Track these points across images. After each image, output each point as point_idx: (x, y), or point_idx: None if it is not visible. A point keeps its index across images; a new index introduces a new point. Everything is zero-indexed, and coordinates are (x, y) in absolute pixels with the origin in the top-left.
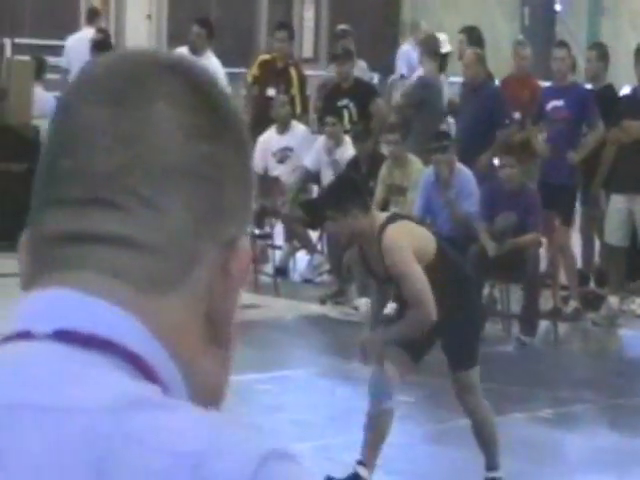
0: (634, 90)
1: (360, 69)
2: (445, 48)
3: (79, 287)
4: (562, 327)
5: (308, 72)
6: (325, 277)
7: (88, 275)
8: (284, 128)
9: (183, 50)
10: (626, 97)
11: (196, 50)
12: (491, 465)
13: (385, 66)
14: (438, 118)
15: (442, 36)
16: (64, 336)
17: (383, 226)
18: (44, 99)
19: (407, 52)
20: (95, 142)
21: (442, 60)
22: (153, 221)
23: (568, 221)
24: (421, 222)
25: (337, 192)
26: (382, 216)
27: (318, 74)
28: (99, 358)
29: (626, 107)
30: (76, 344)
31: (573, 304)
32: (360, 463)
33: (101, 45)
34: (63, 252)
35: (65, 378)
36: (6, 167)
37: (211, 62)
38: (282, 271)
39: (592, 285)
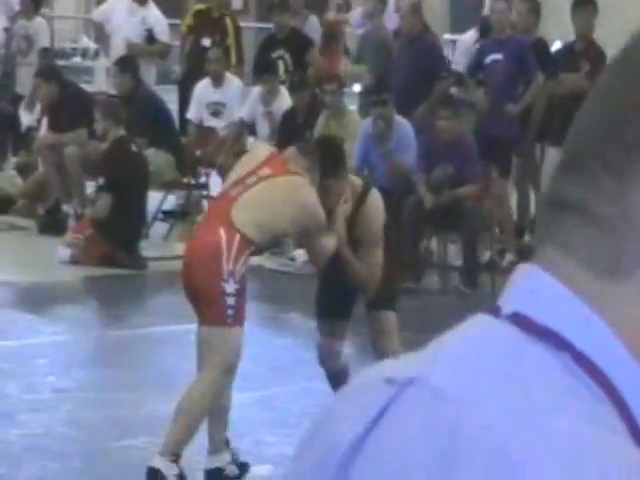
0: (570, 43)
1: (312, 25)
2: None
3: (543, 264)
4: (499, 279)
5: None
6: None
7: (550, 250)
8: (218, 82)
9: (125, 1)
10: (562, 50)
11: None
12: None
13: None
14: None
15: None
16: (519, 321)
17: (366, 189)
18: None
19: None
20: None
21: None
22: (614, 193)
23: (505, 173)
24: (359, 174)
25: (331, 158)
26: (357, 178)
27: (248, 26)
28: (545, 354)
29: (562, 60)
30: (528, 332)
31: (509, 257)
32: None
33: None
34: (544, 220)
35: (483, 365)
36: None
37: (152, 13)
38: None
39: (527, 237)
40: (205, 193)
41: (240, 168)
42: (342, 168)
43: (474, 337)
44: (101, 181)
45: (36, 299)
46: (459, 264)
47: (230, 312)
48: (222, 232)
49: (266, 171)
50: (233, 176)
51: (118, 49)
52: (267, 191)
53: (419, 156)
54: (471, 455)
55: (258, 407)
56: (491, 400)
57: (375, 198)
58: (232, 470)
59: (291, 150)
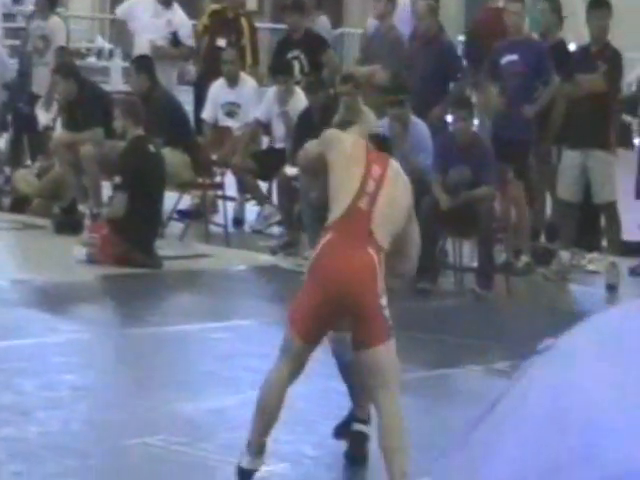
0: (586, 45)
1: (322, 24)
2: None
3: None
4: (514, 281)
5: None
6: (275, 228)
7: None
8: (233, 82)
9: (150, 2)
10: (578, 52)
11: (165, 1)
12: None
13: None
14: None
15: None
16: None
17: None
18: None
19: None
20: None
21: None
22: None
23: (522, 175)
24: None
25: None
26: None
27: (263, 26)
28: None
29: (578, 61)
30: None
31: (524, 258)
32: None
33: None
34: None
35: None
36: None
37: (177, 15)
38: (238, 222)
39: (543, 240)
40: (220, 193)
41: (348, 163)
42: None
43: None
44: (118, 180)
45: (53, 298)
46: (474, 265)
47: (390, 323)
48: (372, 251)
49: (377, 170)
50: (349, 174)
51: (142, 49)
52: (390, 198)
53: (435, 157)
54: None
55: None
56: None
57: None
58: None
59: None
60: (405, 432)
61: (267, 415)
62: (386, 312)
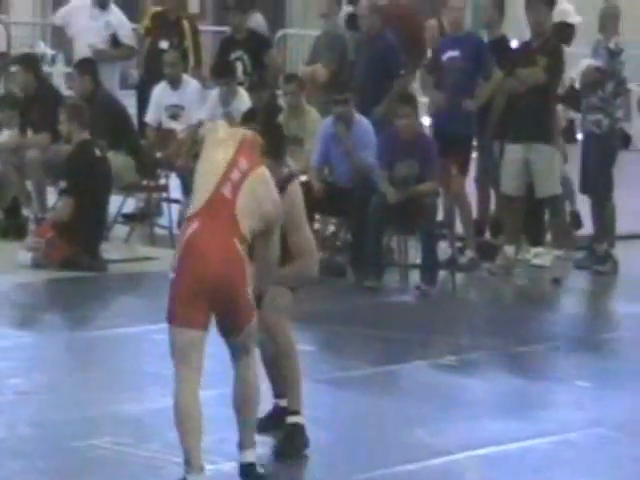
0: (527, 41)
1: (257, 22)
2: None
3: None
4: (459, 277)
5: None
6: None
7: None
8: (176, 84)
9: (87, 3)
10: (519, 46)
11: (102, 4)
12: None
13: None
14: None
15: None
16: None
17: (290, 178)
18: None
19: None
20: None
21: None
22: None
23: (464, 170)
24: (320, 172)
25: (277, 141)
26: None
27: (205, 29)
28: None
29: (519, 56)
30: None
31: (469, 254)
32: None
33: None
34: None
35: None
36: None
37: (115, 16)
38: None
39: (487, 235)
40: (165, 195)
41: (216, 151)
42: (284, 151)
43: None
44: (63, 185)
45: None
46: (419, 262)
47: (252, 302)
48: (236, 240)
49: (244, 164)
50: (214, 161)
51: (82, 54)
52: (254, 195)
53: (380, 154)
54: None
55: (220, 405)
56: None
57: (296, 187)
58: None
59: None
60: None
61: (190, 421)
62: (250, 296)
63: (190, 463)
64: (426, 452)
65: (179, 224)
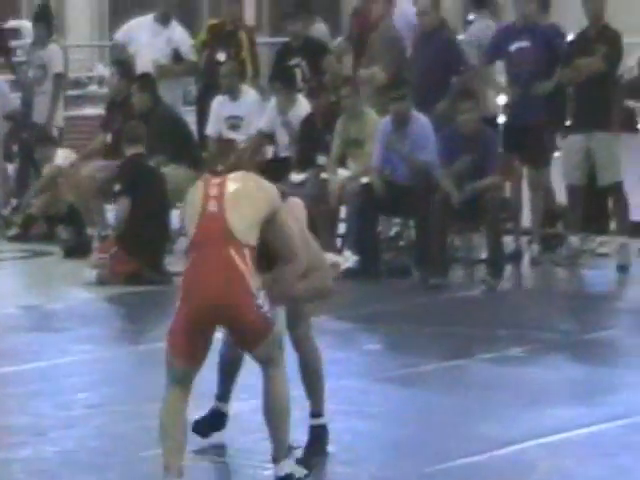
0: (583, 30)
1: (319, 31)
2: None
3: None
4: (524, 269)
5: None
6: None
7: None
8: (234, 96)
9: (149, 20)
10: (577, 36)
11: (163, 20)
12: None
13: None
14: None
15: None
16: None
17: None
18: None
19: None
20: None
21: None
22: None
23: (539, 162)
24: (381, 173)
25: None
26: None
27: (261, 41)
28: None
29: (577, 46)
30: None
31: (535, 246)
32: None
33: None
34: None
35: None
36: None
37: (177, 32)
38: None
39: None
40: None
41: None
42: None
43: None
44: (117, 187)
45: (64, 321)
46: (484, 257)
47: (268, 315)
48: (233, 253)
49: (216, 180)
50: (190, 201)
51: (144, 70)
52: (238, 193)
53: (440, 151)
54: None
55: (293, 408)
56: None
57: (293, 202)
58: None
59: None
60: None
61: (171, 440)
62: (263, 309)
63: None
64: (495, 443)
65: None
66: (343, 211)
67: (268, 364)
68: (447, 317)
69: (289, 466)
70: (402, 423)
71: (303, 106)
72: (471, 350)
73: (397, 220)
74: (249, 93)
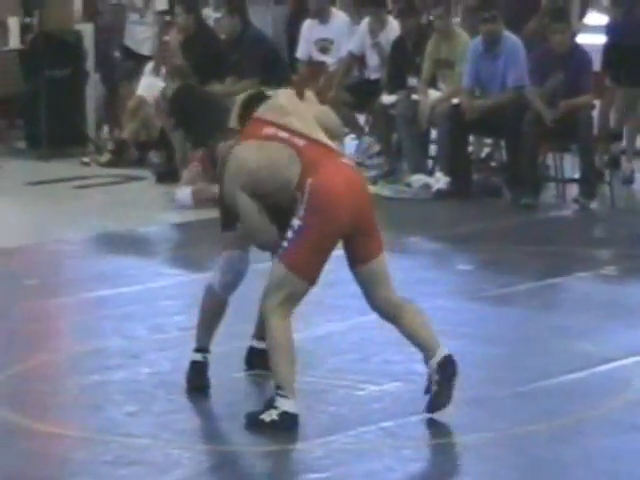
0: None
1: None
2: None
3: None
4: (617, 188)
5: None
6: (375, 159)
7: None
8: (324, 19)
9: None
10: None
11: None
12: None
13: None
14: None
15: None
16: None
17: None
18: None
19: None
20: None
21: None
22: None
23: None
24: (471, 93)
25: None
26: None
27: None
28: None
29: None
30: None
31: (628, 165)
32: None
33: None
34: None
35: None
36: (50, 73)
37: None
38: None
39: None
40: None
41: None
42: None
43: None
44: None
45: (158, 244)
46: (576, 177)
47: None
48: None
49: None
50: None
51: None
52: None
53: (532, 70)
54: None
55: (385, 328)
56: None
57: None
58: None
59: None
60: None
61: (292, 359)
62: None
63: (285, 389)
64: (591, 360)
65: None
66: (434, 132)
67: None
68: (540, 237)
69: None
70: (497, 342)
71: (393, 28)
72: (566, 269)
73: (488, 140)
74: (339, 16)
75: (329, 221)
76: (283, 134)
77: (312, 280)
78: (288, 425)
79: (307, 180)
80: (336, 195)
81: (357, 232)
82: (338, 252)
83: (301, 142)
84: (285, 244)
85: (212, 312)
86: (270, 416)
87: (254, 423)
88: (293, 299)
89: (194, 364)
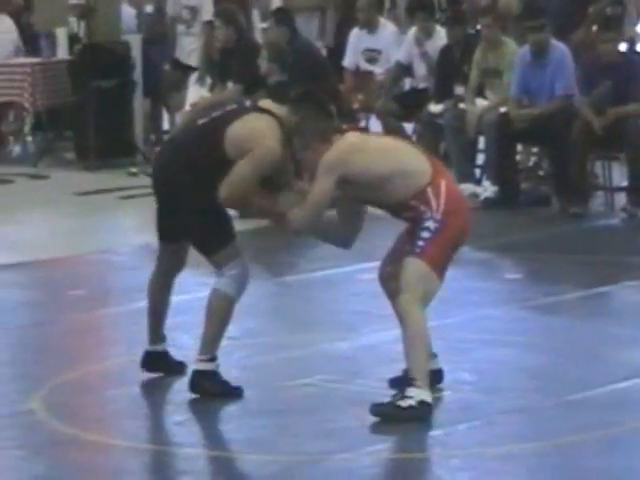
0: None
1: None
2: None
3: None
4: None
5: None
6: None
7: None
8: (372, 28)
9: None
10: None
11: None
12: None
13: None
14: None
15: None
16: None
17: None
18: (129, 15)
19: None
20: None
21: None
22: None
23: None
24: (519, 102)
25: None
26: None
27: None
28: None
29: None
30: None
31: None
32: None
33: None
34: None
35: None
36: (98, 84)
37: None
38: None
39: None
40: None
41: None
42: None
43: None
44: None
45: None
46: (625, 185)
47: None
48: None
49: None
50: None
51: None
52: None
53: (580, 79)
54: None
55: (432, 337)
56: None
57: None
58: None
59: None
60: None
61: (428, 346)
62: None
63: (421, 380)
64: (636, 371)
65: None
66: (482, 141)
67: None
68: (588, 245)
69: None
70: (544, 351)
71: (440, 37)
72: (614, 278)
73: (535, 149)
74: (387, 26)
75: (464, 224)
76: None
77: (442, 279)
78: (424, 413)
79: (441, 183)
80: (466, 202)
81: None
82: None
83: None
84: (421, 243)
85: (228, 319)
86: (407, 402)
87: (388, 411)
88: (430, 295)
89: (214, 374)
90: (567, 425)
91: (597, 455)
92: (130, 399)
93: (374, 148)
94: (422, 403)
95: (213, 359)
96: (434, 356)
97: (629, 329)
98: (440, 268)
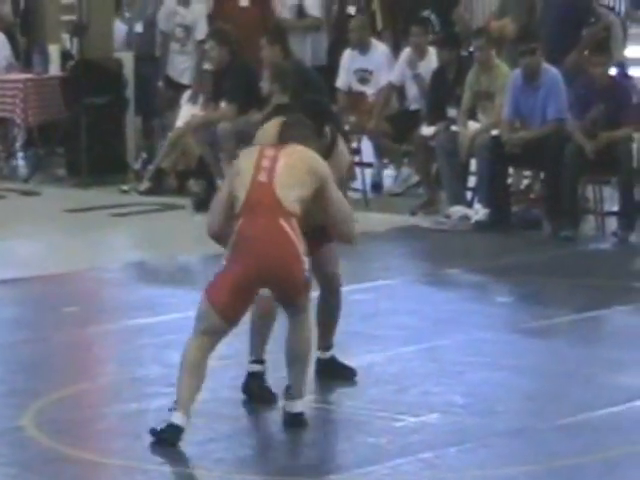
0: None
1: None
2: None
3: None
4: None
5: None
6: (414, 190)
7: None
8: (364, 49)
9: None
10: None
11: None
12: None
13: None
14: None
15: None
16: None
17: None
18: (121, 32)
19: None
20: None
21: None
22: None
23: None
24: (511, 125)
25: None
26: None
27: None
28: None
29: None
30: None
31: None
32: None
33: None
34: None
35: None
36: (90, 101)
37: None
38: (376, 186)
39: None
40: (357, 159)
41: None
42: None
43: None
44: None
45: (197, 273)
46: (615, 209)
47: (308, 277)
48: (282, 221)
49: (270, 151)
50: (242, 169)
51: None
52: (289, 166)
53: (572, 103)
54: None
55: (424, 359)
56: None
57: (342, 145)
58: None
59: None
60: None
61: (194, 378)
62: (307, 270)
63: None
64: (633, 393)
65: (373, 187)
66: (473, 164)
67: (300, 311)
68: (579, 269)
69: (302, 405)
70: (537, 374)
71: (433, 59)
72: (605, 302)
73: (527, 172)
74: (379, 47)
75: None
76: None
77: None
78: (170, 435)
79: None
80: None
81: None
82: (377, 283)
83: None
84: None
85: (262, 319)
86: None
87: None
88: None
89: (253, 375)
90: (562, 448)
91: (593, 478)
92: (122, 417)
93: None
94: (171, 425)
95: (255, 361)
96: None
97: (621, 352)
98: (219, 305)
